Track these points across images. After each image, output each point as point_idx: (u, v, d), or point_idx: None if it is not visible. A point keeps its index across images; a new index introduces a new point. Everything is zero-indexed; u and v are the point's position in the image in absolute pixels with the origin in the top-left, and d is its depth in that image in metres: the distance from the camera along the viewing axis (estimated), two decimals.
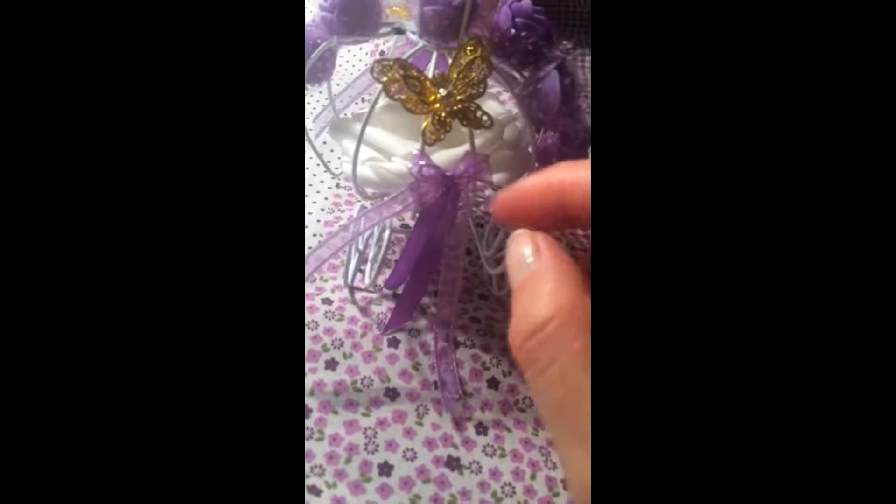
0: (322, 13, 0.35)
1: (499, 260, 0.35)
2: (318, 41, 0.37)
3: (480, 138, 0.34)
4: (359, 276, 0.45)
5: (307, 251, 0.36)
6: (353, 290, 0.44)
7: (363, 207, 0.44)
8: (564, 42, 0.33)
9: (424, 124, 0.31)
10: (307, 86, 0.39)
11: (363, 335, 0.42)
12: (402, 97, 0.31)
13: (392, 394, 0.39)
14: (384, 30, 0.36)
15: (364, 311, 0.43)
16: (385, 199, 0.34)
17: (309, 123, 0.48)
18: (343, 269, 0.45)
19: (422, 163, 0.31)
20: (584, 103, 0.36)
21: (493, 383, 0.40)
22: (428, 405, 0.39)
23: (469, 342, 0.42)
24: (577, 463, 0.24)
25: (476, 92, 0.30)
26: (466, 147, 0.32)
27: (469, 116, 0.31)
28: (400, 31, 0.35)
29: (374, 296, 0.44)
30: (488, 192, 0.33)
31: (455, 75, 0.31)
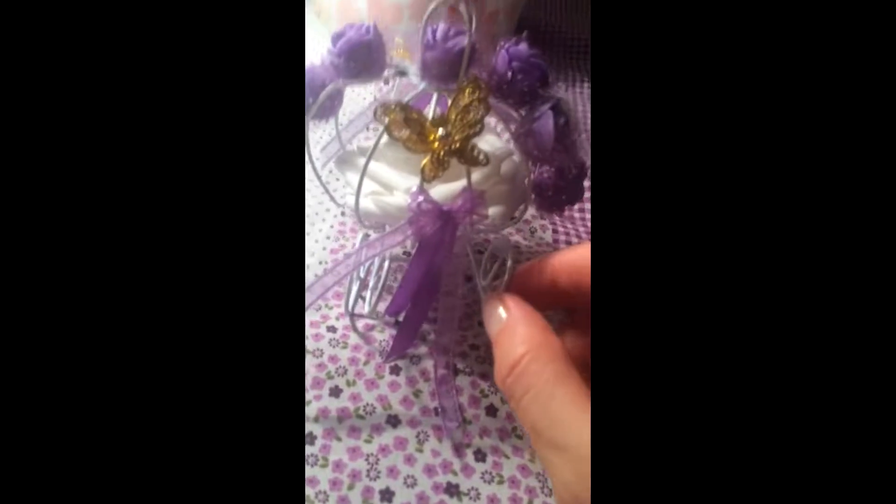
0: (330, 58, 0.37)
1: (495, 287, 0.37)
2: (326, 82, 0.38)
3: (478, 173, 0.35)
4: (361, 303, 0.46)
5: (314, 278, 0.37)
6: (353, 316, 0.45)
7: (366, 237, 0.45)
8: (560, 83, 0.35)
9: (423, 162, 0.33)
10: (315, 121, 0.41)
11: (366, 363, 0.43)
12: (404, 137, 0.32)
13: (393, 420, 0.40)
14: (388, 72, 0.37)
15: (367, 338, 0.45)
16: (387, 230, 0.36)
17: (316, 153, 0.50)
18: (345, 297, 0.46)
19: (420, 198, 0.33)
20: (584, 137, 0.38)
21: (491, 410, 0.42)
22: (428, 432, 0.40)
23: (468, 369, 0.44)
24: (556, 467, 0.28)
25: (474, 132, 0.32)
26: (464, 183, 0.34)
27: (466, 155, 0.32)
28: (403, 73, 0.37)
29: (376, 323, 0.45)
30: (487, 221, 0.35)
31: (454, 116, 0.32)
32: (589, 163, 0.57)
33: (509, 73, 0.34)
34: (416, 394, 0.42)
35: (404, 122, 0.32)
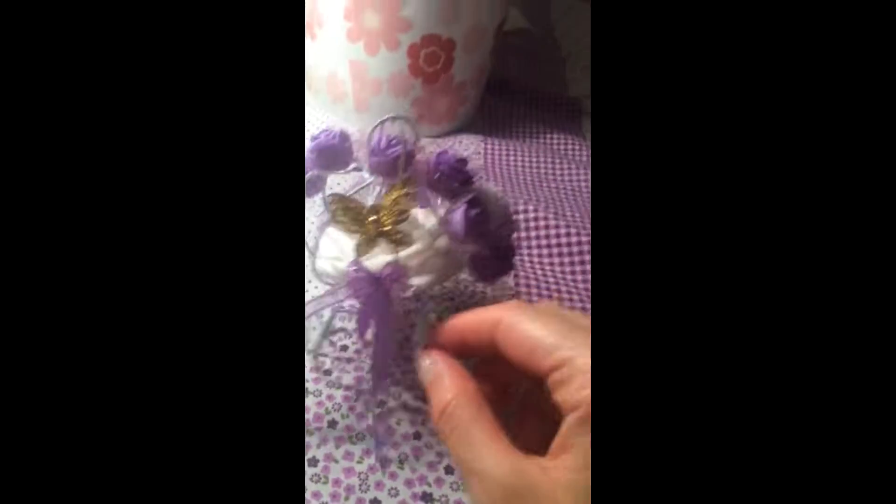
0: (307, 153, 0.47)
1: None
2: (308, 169, 0.48)
3: (415, 246, 0.44)
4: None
5: None
6: (317, 355, 0.56)
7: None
8: (475, 182, 0.43)
9: (357, 241, 0.42)
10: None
11: (356, 399, 0.52)
12: (344, 221, 0.42)
13: (380, 445, 0.49)
14: (351, 167, 0.47)
15: (357, 379, 0.54)
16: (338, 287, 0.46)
17: (312, 218, 0.59)
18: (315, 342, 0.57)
19: (353, 268, 0.42)
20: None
21: None
22: (407, 452, 0.49)
23: None
24: (473, 488, 0.33)
25: (400, 219, 0.41)
26: (390, 257, 0.43)
27: (392, 237, 0.42)
28: (359, 169, 0.46)
29: (364, 366, 0.55)
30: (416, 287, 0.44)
31: (385, 205, 0.42)
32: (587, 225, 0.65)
33: (436, 174, 0.43)
34: (398, 422, 0.51)
35: (343, 211, 0.42)
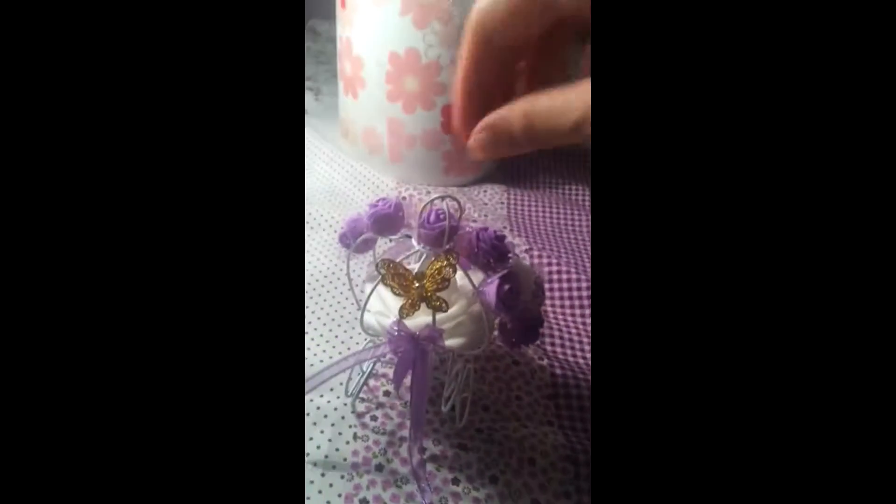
0: (366, 217, 0.54)
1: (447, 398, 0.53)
2: (364, 231, 0.54)
3: (453, 309, 0.50)
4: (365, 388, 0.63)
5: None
6: (356, 399, 0.62)
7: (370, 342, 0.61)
8: (511, 257, 0.49)
9: (402, 304, 0.48)
10: (355, 254, 0.57)
11: (400, 445, 0.58)
12: (393, 284, 0.48)
13: (424, 491, 0.54)
14: (401, 233, 0.53)
15: (399, 426, 0.61)
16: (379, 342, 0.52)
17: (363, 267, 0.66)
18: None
19: (395, 327, 0.48)
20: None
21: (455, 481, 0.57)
22: (447, 497, 0.55)
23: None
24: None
25: (441, 286, 0.47)
26: (429, 319, 0.49)
27: (432, 303, 0.47)
28: (409, 236, 0.52)
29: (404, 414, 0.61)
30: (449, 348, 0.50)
31: (429, 273, 0.48)
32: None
33: (476, 249, 0.49)
34: (438, 469, 0.57)
35: (393, 276, 0.48)
